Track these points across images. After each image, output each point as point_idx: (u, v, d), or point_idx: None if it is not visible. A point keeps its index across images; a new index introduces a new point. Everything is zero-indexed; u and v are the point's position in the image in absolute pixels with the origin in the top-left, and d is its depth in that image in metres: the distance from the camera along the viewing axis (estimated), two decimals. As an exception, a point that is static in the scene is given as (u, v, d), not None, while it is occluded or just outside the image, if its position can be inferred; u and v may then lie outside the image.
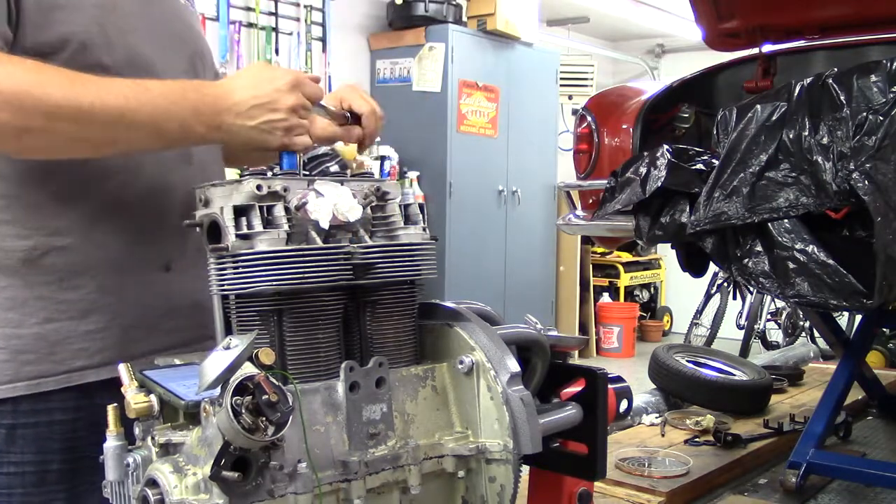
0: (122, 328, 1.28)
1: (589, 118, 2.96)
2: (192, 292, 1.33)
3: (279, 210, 1.14)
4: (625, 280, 8.17)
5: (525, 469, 1.35)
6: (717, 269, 2.84)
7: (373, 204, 1.24)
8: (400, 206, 1.27)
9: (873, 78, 2.01)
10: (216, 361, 0.98)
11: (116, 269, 1.26)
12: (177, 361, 1.14)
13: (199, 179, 1.24)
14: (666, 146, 2.33)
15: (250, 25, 5.39)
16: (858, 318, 3.61)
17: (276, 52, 5.51)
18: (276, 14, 5.50)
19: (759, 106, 2.17)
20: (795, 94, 2.11)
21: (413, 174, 5.92)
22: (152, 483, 1.02)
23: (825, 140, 2.04)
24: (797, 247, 2.05)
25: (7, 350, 1.23)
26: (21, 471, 1.25)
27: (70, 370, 1.25)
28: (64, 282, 1.24)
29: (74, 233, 1.24)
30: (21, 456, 1.25)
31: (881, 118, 1.97)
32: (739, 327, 6.81)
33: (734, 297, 6.84)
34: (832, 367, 3.17)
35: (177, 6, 1.41)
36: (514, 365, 1.22)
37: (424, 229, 1.28)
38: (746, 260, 2.14)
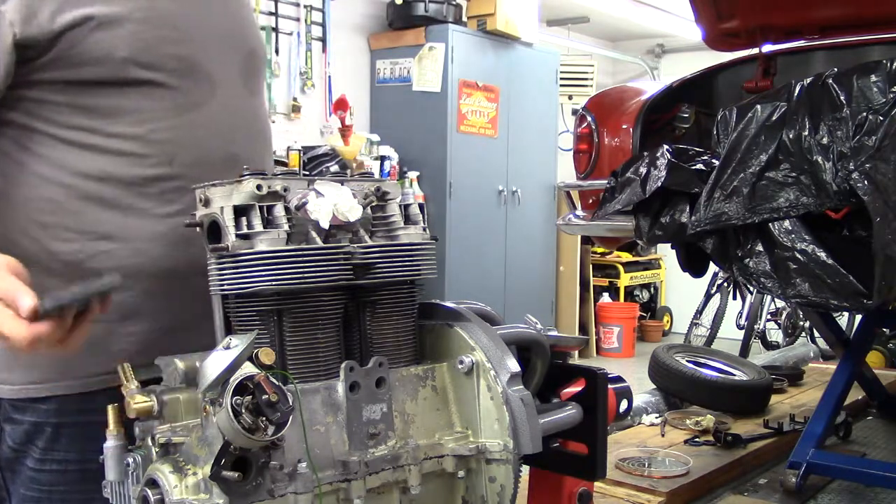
0: (162, 330, 1.29)
1: (589, 118, 2.96)
2: None
3: (279, 210, 1.15)
4: (625, 280, 8.17)
5: (525, 469, 1.35)
6: (717, 269, 2.84)
7: (373, 204, 1.24)
8: (400, 206, 1.27)
9: (873, 78, 2.01)
10: (216, 361, 0.98)
11: (158, 274, 1.27)
12: (177, 361, 1.14)
13: None
14: (666, 146, 2.33)
15: (250, 25, 5.38)
16: (858, 318, 3.61)
17: (276, 52, 5.51)
18: (276, 14, 5.50)
19: (759, 106, 2.17)
20: (795, 94, 2.11)
21: (413, 174, 5.92)
22: (152, 483, 1.02)
23: (825, 140, 2.04)
24: (798, 247, 2.05)
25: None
26: (64, 468, 1.27)
27: (112, 371, 1.25)
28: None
29: (118, 238, 1.25)
30: (65, 454, 1.27)
31: (881, 118, 1.97)
32: (739, 327, 6.81)
33: (734, 297, 6.84)
34: (832, 367, 3.16)
35: (233, 3, 1.41)
36: (514, 365, 1.22)
37: (424, 229, 1.28)
38: (747, 260, 2.14)
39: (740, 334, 6.71)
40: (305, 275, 1.12)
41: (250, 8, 1.50)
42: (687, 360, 3.45)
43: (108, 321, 1.25)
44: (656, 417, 3.17)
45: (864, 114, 2.00)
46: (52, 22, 1.16)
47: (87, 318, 1.08)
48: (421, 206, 1.31)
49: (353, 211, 1.17)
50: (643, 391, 3.49)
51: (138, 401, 1.06)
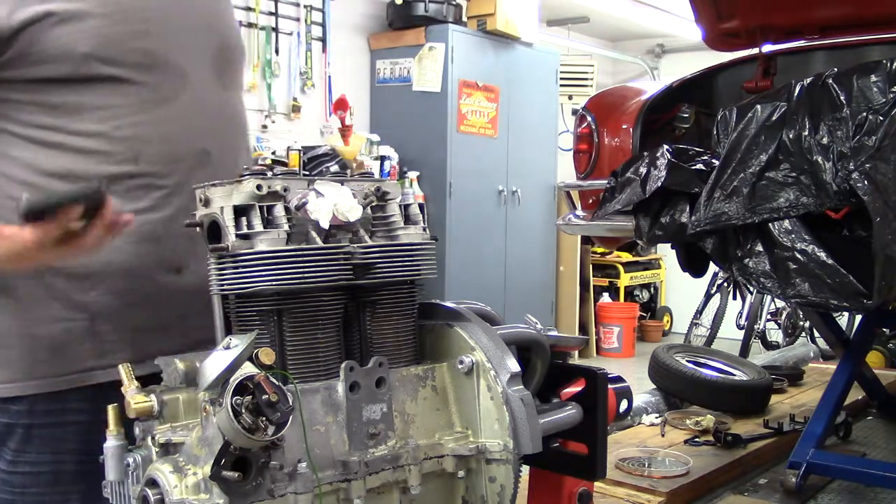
0: (133, 330, 1.28)
1: (589, 118, 2.96)
2: (206, 294, 1.33)
3: (279, 210, 1.15)
4: (625, 280, 8.17)
5: (525, 469, 1.35)
6: (717, 269, 2.83)
7: (373, 204, 1.24)
8: (400, 206, 1.27)
9: (873, 78, 2.01)
10: (216, 361, 0.98)
11: (126, 273, 1.26)
12: (177, 362, 1.14)
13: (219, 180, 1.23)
14: (666, 146, 2.33)
15: (250, 25, 5.39)
16: (858, 318, 3.61)
17: (277, 51, 5.51)
18: (276, 14, 5.50)
19: (759, 106, 2.17)
20: (795, 94, 2.11)
21: (413, 174, 5.92)
22: (152, 483, 1.02)
23: (825, 140, 2.04)
24: (798, 247, 2.05)
25: (21, 348, 1.24)
26: (36, 470, 1.26)
27: (81, 370, 1.25)
28: (74, 283, 1.24)
29: None
30: (37, 456, 1.26)
31: (881, 118, 1.97)
32: (739, 327, 6.81)
33: (734, 297, 6.83)
34: (832, 367, 3.16)
35: None
36: (514, 365, 1.22)
37: (424, 229, 1.28)
38: (747, 260, 2.14)
39: (740, 334, 6.70)
40: (305, 275, 1.12)
41: (227, 1, 1.47)
42: (687, 360, 3.45)
43: (74, 319, 1.24)
44: (656, 417, 3.17)
45: (864, 114, 1.99)
46: (11, 18, 1.15)
47: (92, 223, 1.08)
48: (421, 206, 1.31)
49: (353, 211, 1.17)
50: (643, 391, 3.49)
51: (138, 401, 1.06)
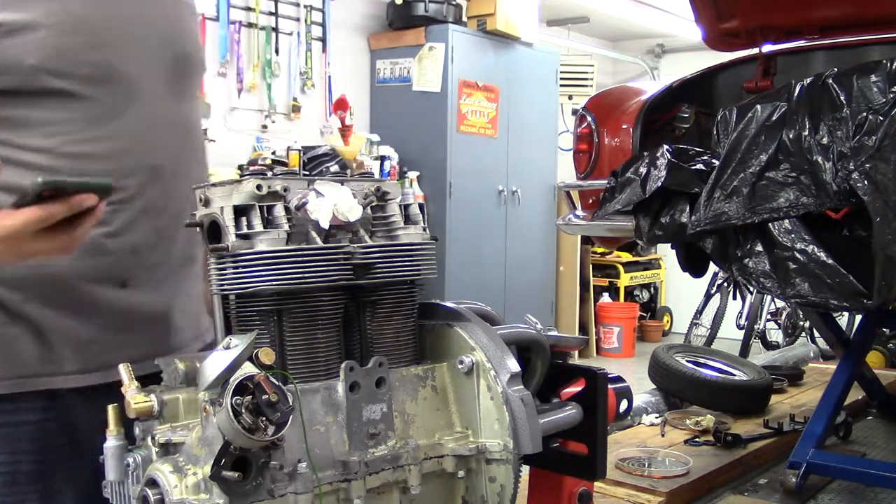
0: (77, 342, 1.27)
1: (589, 118, 2.96)
2: (153, 307, 1.32)
3: (279, 210, 1.15)
4: (625, 280, 8.17)
5: (525, 469, 1.35)
6: (717, 269, 2.83)
7: (373, 204, 1.24)
8: (400, 206, 1.27)
9: (873, 78, 2.01)
10: (216, 361, 0.99)
11: (67, 284, 1.25)
12: (177, 362, 1.14)
13: (170, 195, 1.22)
14: (666, 146, 2.33)
15: (250, 25, 5.39)
16: (858, 318, 3.61)
17: (276, 51, 5.51)
18: (276, 14, 5.50)
19: (759, 106, 2.17)
20: (795, 94, 2.11)
21: (413, 174, 5.92)
22: (152, 483, 1.02)
23: (825, 140, 2.04)
24: (797, 247, 2.05)
25: None
26: None
27: (31, 375, 1.24)
28: (15, 293, 1.23)
29: None
30: None
31: (881, 118, 1.97)
32: (739, 327, 6.81)
33: (734, 297, 6.84)
34: (832, 367, 3.16)
35: (165, 4, 1.36)
36: (514, 365, 1.22)
37: (424, 229, 1.28)
38: (747, 260, 2.14)
39: (740, 334, 6.71)
40: (305, 275, 1.12)
41: (188, 8, 1.44)
42: (687, 360, 3.45)
43: (17, 326, 1.23)
44: (656, 417, 3.17)
45: (864, 114, 2.00)
46: None
47: (81, 219, 1.06)
48: (421, 206, 1.31)
49: (353, 211, 1.17)
50: (643, 391, 3.49)
51: (138, 401, 1.06)
